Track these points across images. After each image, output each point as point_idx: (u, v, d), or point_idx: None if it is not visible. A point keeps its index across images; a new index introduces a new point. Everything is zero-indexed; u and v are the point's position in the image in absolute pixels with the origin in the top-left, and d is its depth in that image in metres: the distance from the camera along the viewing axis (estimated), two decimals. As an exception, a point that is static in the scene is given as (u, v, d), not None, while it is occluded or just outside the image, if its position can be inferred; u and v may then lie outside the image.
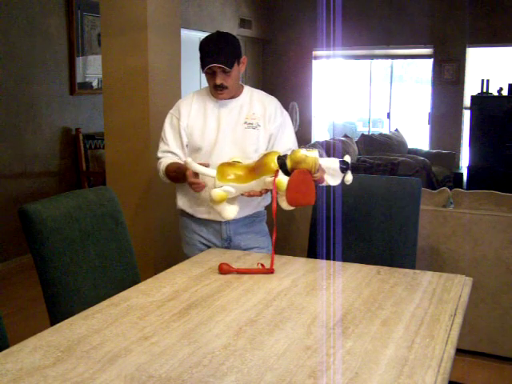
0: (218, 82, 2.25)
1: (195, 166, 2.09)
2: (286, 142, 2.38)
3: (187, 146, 2.37)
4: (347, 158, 2.04)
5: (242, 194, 2.11)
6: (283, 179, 1.96)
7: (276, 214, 2.00)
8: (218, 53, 2.22)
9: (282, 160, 1.97)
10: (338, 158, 2.08)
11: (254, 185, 2.05)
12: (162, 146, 2.41)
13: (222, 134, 2.32)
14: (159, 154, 2.42)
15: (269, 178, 1.99)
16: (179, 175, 2.26)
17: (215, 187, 2.06)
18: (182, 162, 2.28)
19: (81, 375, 1.31)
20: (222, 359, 1.38)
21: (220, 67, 2.22)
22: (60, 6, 5.04)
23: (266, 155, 2.04)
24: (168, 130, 2.40)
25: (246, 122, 2.33)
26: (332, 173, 2.03)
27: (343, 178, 2.05)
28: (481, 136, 6.94)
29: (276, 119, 2.37)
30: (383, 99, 8.35)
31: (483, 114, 6.93)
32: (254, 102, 2.38)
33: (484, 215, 2.96)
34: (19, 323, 3.40)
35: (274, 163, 1.98)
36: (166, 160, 2.37)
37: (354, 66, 8.91)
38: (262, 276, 1.99)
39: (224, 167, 2.08)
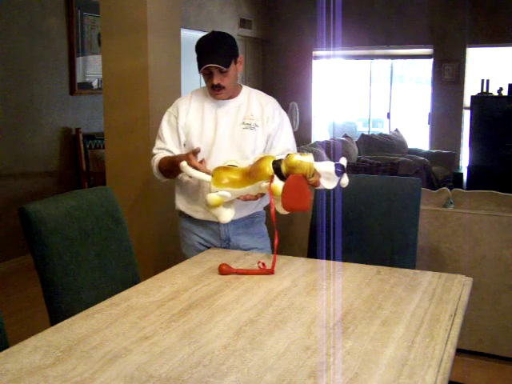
0: (216, 82, 2.24)
1: (190, 171, 2.09)
2: (284, 143, 2.37)
3: (184, 145, 2.36)
4: (343, 161, 2.03)
5: (238, 198, 2.11)
6: (279, 184, 1.96)
7: (275, 219, 1.99)
8: (214, 53, 2.21)
9: (277, 165, 1.97)
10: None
11: (249, 189, 2.05)
12: (158, 144, 2.39)
13: (219, 135, 2.30)
14: (154, 151, 2.39)
15: (264, 183, 1.99)
16: (172, 167, 2.24)
17: (210, 192, 2.06)
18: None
19: (81, 375, 1.31)
20: (222, 359, 1.38)
21: (217, 67, 2.21)
22: (60, 6, 5.04)
23: (261, 160, 2.04)
24: (165, 128, 2.37)
25: (243, 123, 2.32)
26: (328, 176, 2.02)
27: (339, 181, 2.05)
28: (481, 136, 6.94)
29: (274, 120, 2.36)
30: (383, 99, 8.34)
31: (483, 114, 6.93)
32: (252, 103, 2.36)
33: (484, 215, 2.96)
34: (19, 323, 3.40)
35: (269, 168, 1.98)
36: (159, 155, 2.34)
37: (354, 66, 8.90)
38: (262, 276, 1.99)
39: (219, 172, 2.07)
